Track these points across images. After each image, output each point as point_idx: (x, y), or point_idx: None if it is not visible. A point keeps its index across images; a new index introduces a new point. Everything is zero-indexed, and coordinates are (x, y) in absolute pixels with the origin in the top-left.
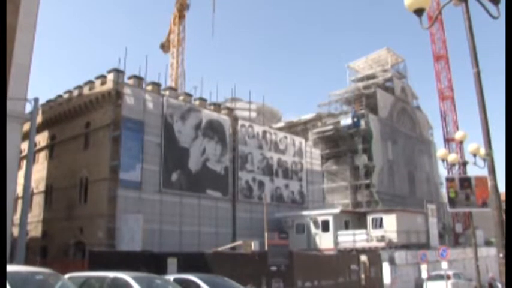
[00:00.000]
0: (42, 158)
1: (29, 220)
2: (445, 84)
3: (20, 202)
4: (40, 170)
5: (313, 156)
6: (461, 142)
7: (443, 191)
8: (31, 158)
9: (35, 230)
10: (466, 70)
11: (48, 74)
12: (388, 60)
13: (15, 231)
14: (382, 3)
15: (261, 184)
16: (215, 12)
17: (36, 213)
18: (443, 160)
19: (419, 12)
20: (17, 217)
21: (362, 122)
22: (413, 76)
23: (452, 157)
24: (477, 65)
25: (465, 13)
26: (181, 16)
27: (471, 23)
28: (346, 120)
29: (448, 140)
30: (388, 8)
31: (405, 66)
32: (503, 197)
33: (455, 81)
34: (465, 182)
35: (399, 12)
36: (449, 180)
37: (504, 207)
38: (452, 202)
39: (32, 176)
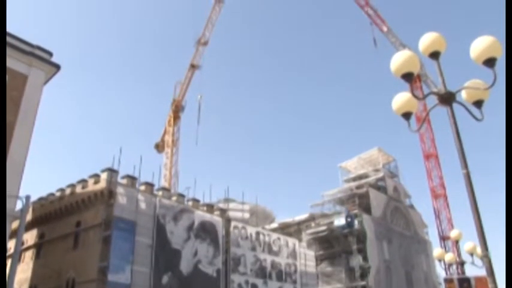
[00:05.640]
0: (28, 257)
1: None
2: (436, 182)
3: None
4: (25, 270)
5: (307, 258)
6: (457, 241)
7: None
8: (16, 258)
9: None
10: (457, 167)
11: (42, 170)
12: (380, 159)
13: None
14: (370, 102)
15: (254, 287)
16: (199, 124)
17: None
18: (439, 260)
19: (406, 116)
20: None
21: (356, 222)
22: (405, 174)
23: (449, 257)
24: (466, 167)
25: (451, 117)
26: (176, 117)
27: (457, 127)
28: (339, 221)
29: (443, 238)
30: (377, 107)
31: (396, 165)
32: None
33: (447, 178)
34: (464, 282)
35: (388, 110)
36: (448, 281)
37: None
38: None
39: (15, 277)
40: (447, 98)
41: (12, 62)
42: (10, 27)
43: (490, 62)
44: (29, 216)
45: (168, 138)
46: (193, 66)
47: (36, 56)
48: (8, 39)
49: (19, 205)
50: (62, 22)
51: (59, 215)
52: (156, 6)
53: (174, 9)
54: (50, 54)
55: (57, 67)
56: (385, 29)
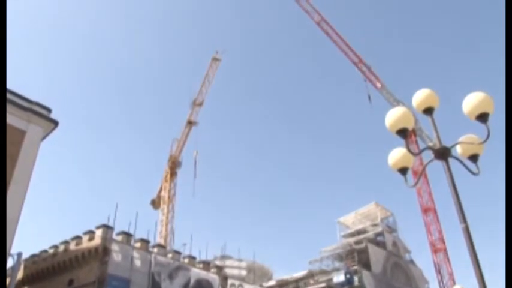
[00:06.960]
0: None
1: None
2: (436, 236)
3: None
4: None
5: None
6: None
7: None
8: None
9: None
10: (457, 220)
11: (35, 226)
12: (377, 214)
13: None
14: (366, 156)
15: None
16: (196, 180)
17: None
18: None
19: (403, 171)
20: None
21: (355, 279)
22: (404, 228)
23: None
24: (465, 220)
25: (447, 172)
26: (173, 173)
27: (454, 180)
28: (338, 277)
29: None
30: (372, 161)
31: (394, 220)
32: None
33: (447, 232)
34: None
35: (384, 164)
36: None
37: None
38: None
39: None
40: (442, 153)
41: (11, 117)
42: (9, 83)
43: (482, 118)
44: (20, 274)
45: (165, 194)
46: (190, 123)
47: (35, 112)
48: (7, 95)
49: (10, 262)
50: (62, 78)
51: (51, 273)
52: (155, 63)
53: (172, 67)
54: (49, 110)
55: (55, 123)
56: (379, 85)
